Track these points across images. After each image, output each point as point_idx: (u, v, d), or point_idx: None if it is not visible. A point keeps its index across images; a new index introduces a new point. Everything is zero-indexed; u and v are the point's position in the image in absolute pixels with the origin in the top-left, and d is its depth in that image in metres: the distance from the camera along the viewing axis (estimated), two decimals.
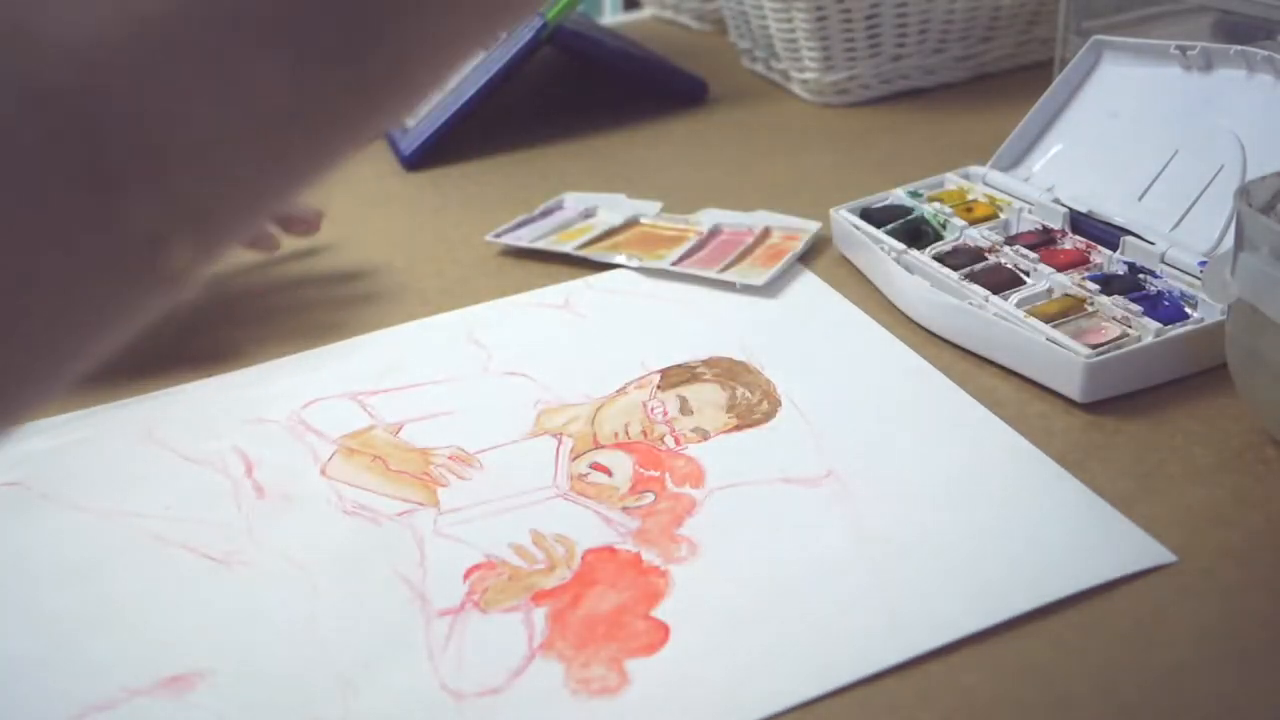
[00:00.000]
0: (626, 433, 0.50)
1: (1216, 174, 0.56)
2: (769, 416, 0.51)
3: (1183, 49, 0.60)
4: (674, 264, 0.64)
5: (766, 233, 0.67)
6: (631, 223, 0.70)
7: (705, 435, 0.50)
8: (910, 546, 0.42)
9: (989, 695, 0.37)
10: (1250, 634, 0.38)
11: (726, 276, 0.62)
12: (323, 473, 0.50)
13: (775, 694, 0.37)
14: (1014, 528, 0.43)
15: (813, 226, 0.66)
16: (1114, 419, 0.49)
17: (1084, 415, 0.49)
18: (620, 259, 0.65)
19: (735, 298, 0.61)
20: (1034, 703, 0.36)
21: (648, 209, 0.71)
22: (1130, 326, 0.51)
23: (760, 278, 0.61)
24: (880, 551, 0.42)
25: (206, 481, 0.49)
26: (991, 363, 0.53)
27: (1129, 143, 0.61)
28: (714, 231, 0.68)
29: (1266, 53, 0.56)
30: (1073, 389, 0.49)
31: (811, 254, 0.65)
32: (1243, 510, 0.43)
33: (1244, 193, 0.45)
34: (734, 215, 0.69)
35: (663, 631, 0.40)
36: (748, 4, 0.92)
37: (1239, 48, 0.57)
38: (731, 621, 0.40)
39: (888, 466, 0.47)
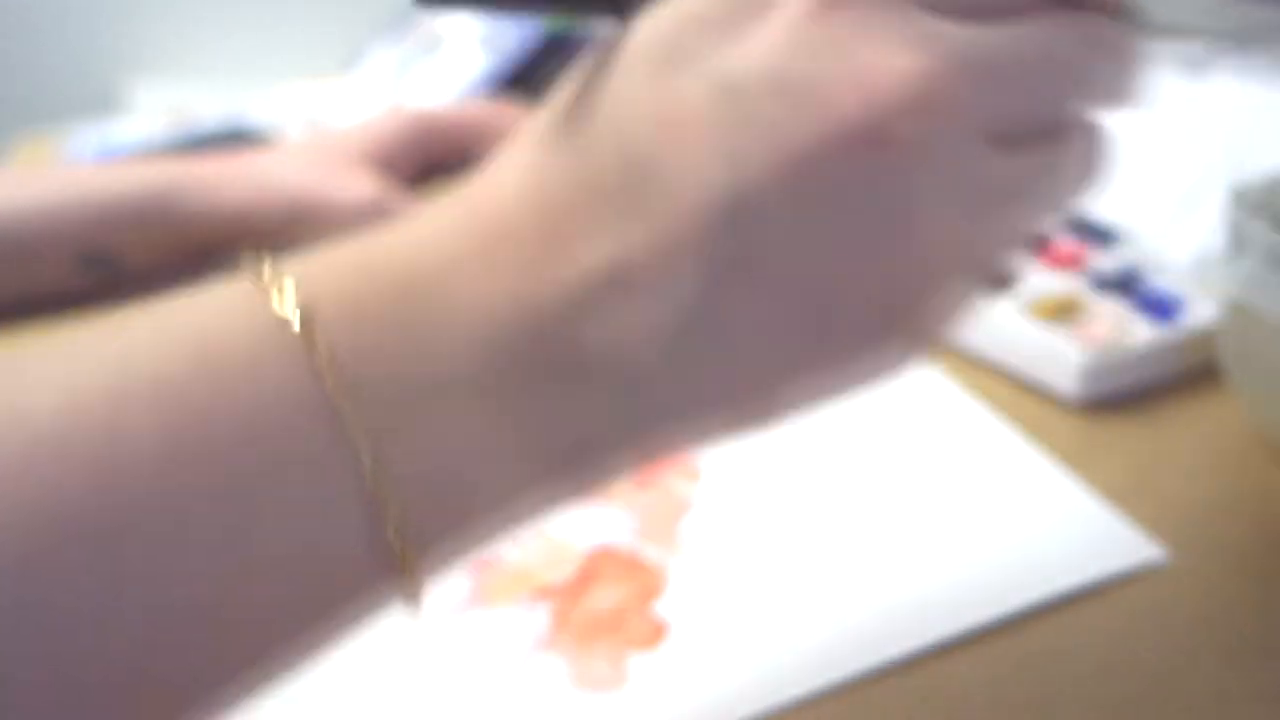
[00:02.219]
0: None
1: (1211, 175, 0.56)
2: None
3: (1179, 50, 0.60)
4: None
5: None
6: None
7: None
8: (905, 544, 0.43)
9: (984, 691, 0.37)
10: (1243, 631, 0.38)
11: None
12: None
13: (773, 689, 0.37)
14: (1008, 526, 0.43)
15: None
16: (1108, 419, 0.49)
17: (1079, 415, 0.49)
18: None
19: None
20: (1029, 698, 0.37)
21: None
22: (1125, 327, 0.51)
23: None
24: (875, 549, 0.43)
25: None
26: (987, 362, 0.53)
27: (1124, 143, 0.61)
28: None
29: (1262, 54, 0.56)
30: (1067, 389, 0.50)
31: None
32: (1236, 509, 0.44)
33: (1237, 194, 0.45)
34: None
35: (663, 627, 0.40)
36: None
37: (1235, 49, 0.57)
38: (730, 617, 0.40)
39: (883, 464, 0.47)
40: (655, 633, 0.40)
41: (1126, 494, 0.45)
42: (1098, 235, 0.59)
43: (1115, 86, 0.29)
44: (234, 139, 0.96)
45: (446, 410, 0.26)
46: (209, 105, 1.05)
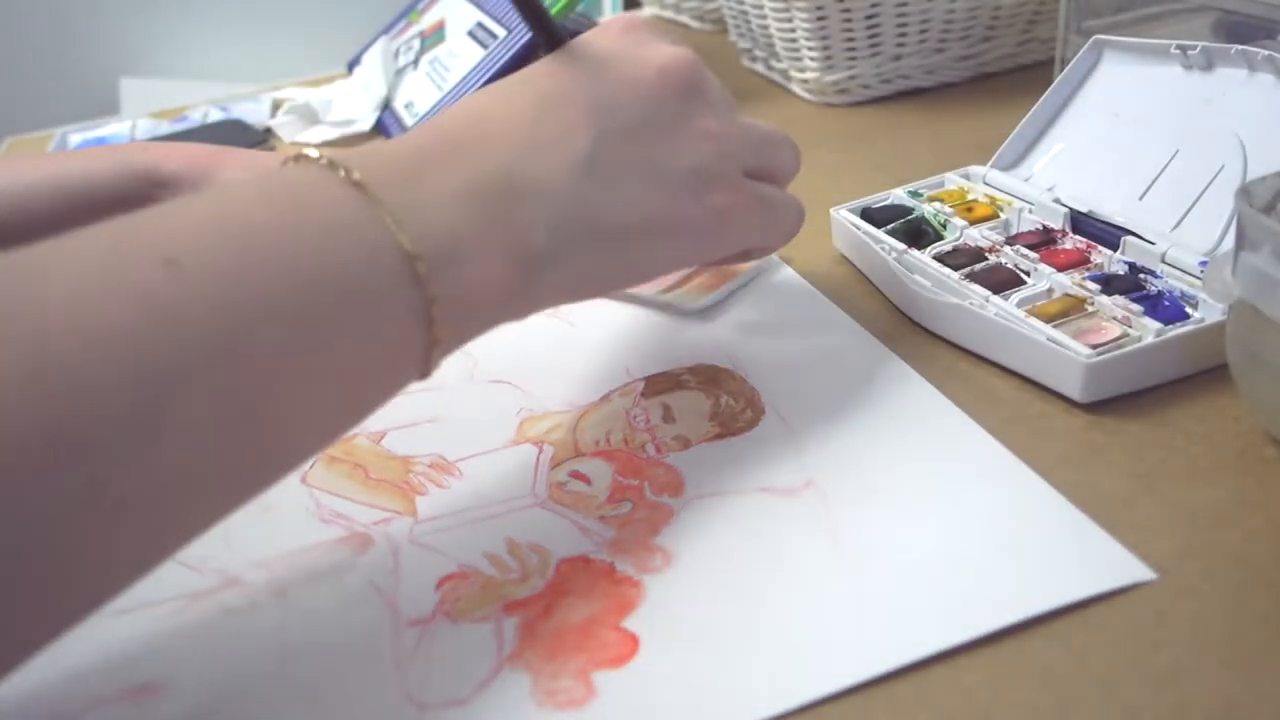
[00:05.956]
0: (608, 441, 0.50)
1: (1217, 174, 0.55)
2: (751, 425, 0.50)
3: (1183, 49, 0.59)
4: None
5: None
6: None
7: (687, 443, 0.49)
8: (886, 559, 0.41)
9: (989, 696, 0.36)
10: (1251, 634, 0.37)
11: (666, 299, 0.60)
12: (303, 480, 0.49)
13: (744, 707, 0.36)
14: (993, 542, 0.42)
15: None
16: (1114, 419, 0.48)
17: (1084, 415, 0.48)
18: None
19: (723, 305, 0.60)
20: (1035, 703, 0.36)
21: None
22: (1131, 326, 0.50)
23: (700, 301, 0.59)
24: (855, 564, 0.41)
25: None
26: (991, 363, 0.52)
27: (1129, 142, 0.60)
28: None
29: (1267, 52, 0.55)
30: (1073, 389, 0.48)
31: (809, 255, 0.64)
32: (1243, 510, 0.42)
33: (1244, 193, 0.44)
34: None
35: (632, 643, 0.38)
36: (748, 4, 0.91)
37: (1239, 47, 0.56)
38: (703, 633, 0.39)
39: (868, 477, 0.46)
40: (625, 649, 0.38)
41: (1132, 495, 0.44)
42: (1104, 234, 0.57)
43: None
44: (233, 127, 0.95)
45: (465, 227, 0.38)
46: (207, 109, 1.04)
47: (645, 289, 0.61)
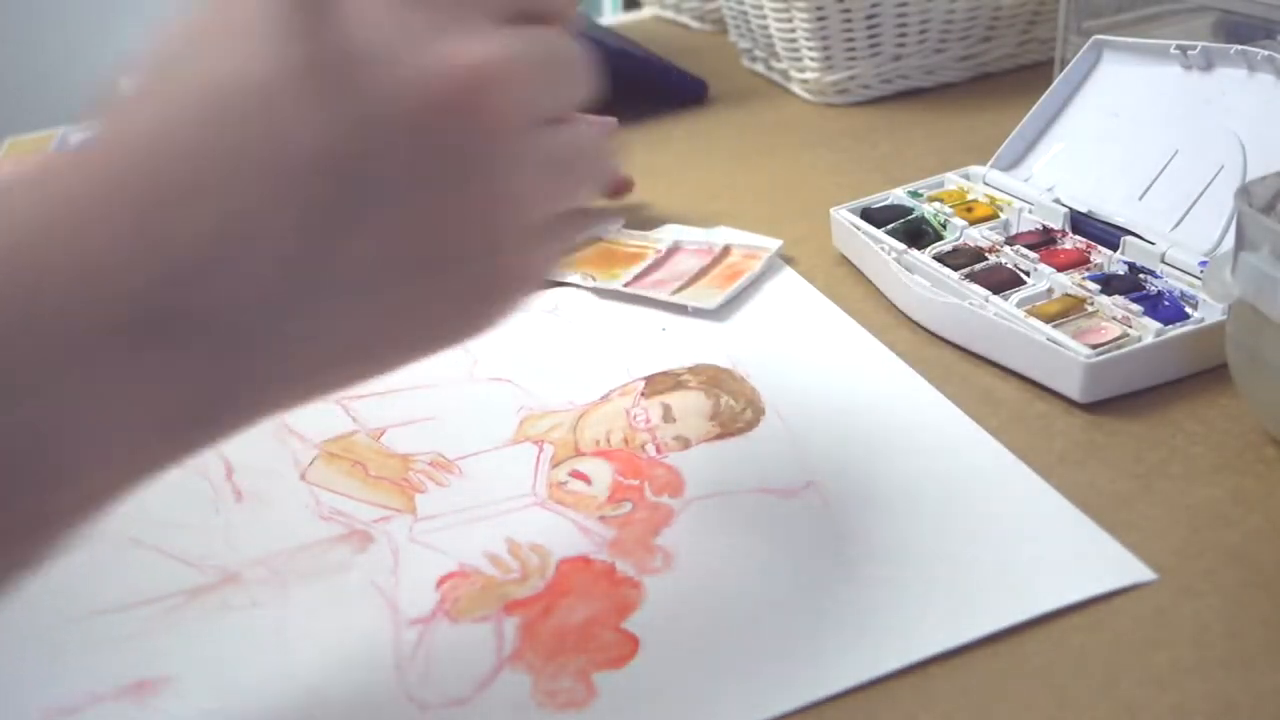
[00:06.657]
0: (608, 440, 0.49)
1: (1217, 174, 0.55)
2: (752, 425, 0.50)
3: (1183, 49, 0.59)
4: (626, 285, 0.62)
5: (726, 251, 0.65)
6: (592, 239, 0.68)
7: (687, 444, 0.49)
8: (886, 559, 0.41)
9: (989, 695, 0.36)
10: (1250, 634, 0.37)
11: (679, 299, 0.60)
12: (303, 477, 0.49)
13: (744, 708, 0.36)
14: (993, 542, 0.42)
15: (773, 244, 0.64)
16: (1114, 419, 0.48)
17: (1084, 415, 0.48)
18: (575, 278, 0.63)
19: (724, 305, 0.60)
20: (1034, 703, 0.35)
21: (608, 225, 0.70)
22: (1130, 326, 0.50)
23: (714, 300, 0.59)
24: (855, 564, 0.41)
25: (186, 484, 0.48)
26: (991, 363, 0.52)
27: (1129, 142, 0.60)
28: (672, 249, 0.66)
29: (1267, 52, 0.55)
30: (1073, 389, 0.48)
31: (810, 255, 0.64)
32: (1243, 510, 0.42)
33: (1244, 193, 0.44)
34: (694, 232, 0.67)
35: (633, 644, 0.38)
36: (748, 4, 0.91)
37: (1239, 47, 0.56)
38: (703, 634, 0.39)
39: (869, 478, 0.46)
40: (625, 650, 0.38)
41: (1133, 494, 0.44)
42: (1103, 234, 0.57)
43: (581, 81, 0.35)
44: None
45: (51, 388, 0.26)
46: None
47: (656, 291, 0.61)
